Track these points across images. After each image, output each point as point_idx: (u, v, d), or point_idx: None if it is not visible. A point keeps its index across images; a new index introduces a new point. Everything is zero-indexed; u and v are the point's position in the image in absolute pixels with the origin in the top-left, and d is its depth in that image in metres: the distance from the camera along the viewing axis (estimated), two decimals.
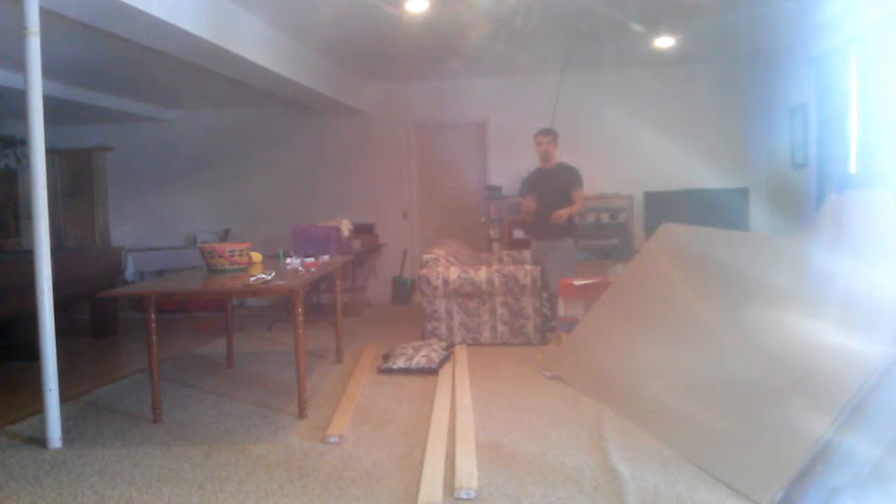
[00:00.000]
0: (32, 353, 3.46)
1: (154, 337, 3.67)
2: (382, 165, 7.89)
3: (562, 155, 5.72)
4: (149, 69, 5.94)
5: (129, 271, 7.30)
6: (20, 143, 7.38)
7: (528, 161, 5.99)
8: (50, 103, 3.70)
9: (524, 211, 5.78)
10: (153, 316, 3.66)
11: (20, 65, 3.29)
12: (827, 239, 3.39)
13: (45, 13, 3.36)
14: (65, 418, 3.51)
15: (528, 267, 5.39)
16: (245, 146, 8.10)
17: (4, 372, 4.96)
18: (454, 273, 5.38)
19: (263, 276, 3.79)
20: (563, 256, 5.58)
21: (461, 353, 5.04)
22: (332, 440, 3.29)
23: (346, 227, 6.77)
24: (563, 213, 5.39)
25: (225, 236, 8.01)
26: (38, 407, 3.49)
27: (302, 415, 3.67)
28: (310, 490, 2.76)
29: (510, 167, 7.20)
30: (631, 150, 7.29)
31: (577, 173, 5.55)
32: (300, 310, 3.58)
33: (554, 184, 5.53)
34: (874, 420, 2.47)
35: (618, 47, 6.34)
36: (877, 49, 4.68)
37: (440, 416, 3.57)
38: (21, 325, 5.04)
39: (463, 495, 2.63)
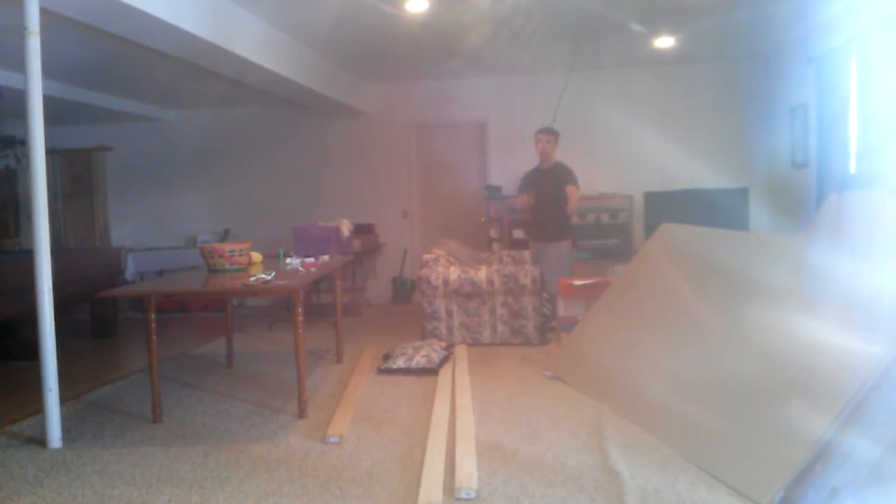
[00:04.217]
0: (32, 353, 3.46)
1: (154, 337, 3.67)
2: (382, 165, 7.89)
3: (562, 155, 5.72)
4: (149, 69, 5.94)
5: (129, 271, 7.30)
6: (20, 143, 7.37)
7: (528, 161, 5.99)
8: (50, 103, 3.69)
9: (520, 207, 5.80)
10: (153, 316, 3.67)
11: (20, 65, 3.29)
12: (827, 239, 3.39)
13: (45, 13, 3.36)
14: (65, 418, 3.51)
15: (528, 267, 5.39)
16: (245, 146, 8.10)
17: (4, 372, 4.96)
18: (454, 273, 5.38)
19: (263, 276, 3.79)
20: (559, 258, 5.58)
21: (461, 353, 5.04)
22: (332, 440, 3.29)
23: (346, 227, 6.77)
24: (572, 206, 5.35)
25: (225, 236, 8.01)
26: (38, 407, 3.49)
27: (302, 415, 3.67)
28: (310, 490, 2.76)
29: (510, 167, 7.20)
30: (631, 150, 7.29)
31: (572, 173, 5.53)
32: (300, 310, 3.58)
33: (550, 184, 5.54)
34: (874, 420, 2.47)
35: (618, 47, 6.34)
36: (877, 49, 4.68)
37: (440, 416, 3.57)
38: (21, 325, 5.04)
39: (463, 495, 2.63)
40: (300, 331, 3.58)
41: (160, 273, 7.40)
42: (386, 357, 4.84)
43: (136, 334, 6.29)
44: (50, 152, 5.28)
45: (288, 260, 4.51)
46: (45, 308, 3.32)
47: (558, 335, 5.08)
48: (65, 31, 4.38)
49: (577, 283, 5.03)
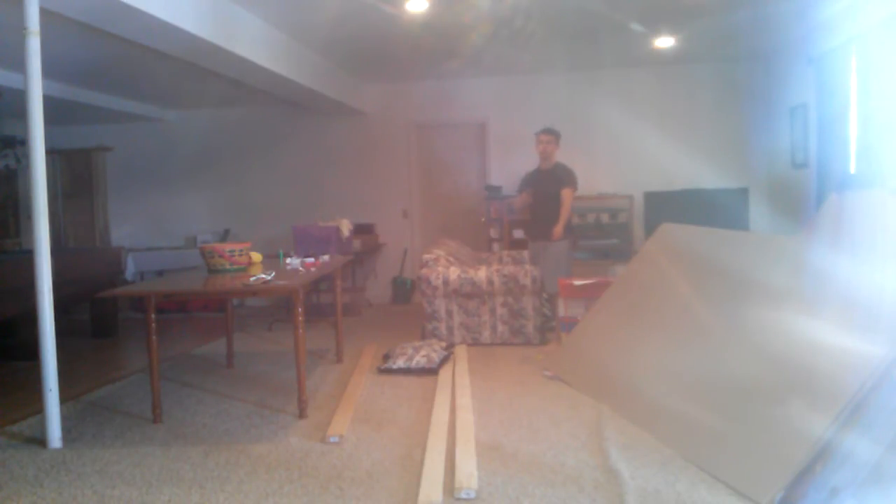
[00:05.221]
0: (32, 353, 3.46)
1: (154, 337, 3.67)
2: (382, 165, 7.89)
3: (562, 155, 5.72)
4: (149, 69, 5.94)
5: (129, 271, 7.30)
6: (20, 143, 7.37)
7: (528, 161, 6.00)
8: (50, 103, 3.70)
9: (519, 206, 5.83)
10: (153, 316, 3.67)
11: (20, 65, 3.29)
12: (827, 239, 3.38)
13: (45, 13, 3.36)
14: (65, 418, 3.51)
15: (528, 267, 5.39)
16: (245, 146, 8.10)
17: (4, 372, 4.96)
18: (454, 273, 5.38)
19: (263, 276, 3.79)
20: (558, 257, 5.59)
21: (461, 353, 5.04)
22: (332, 440, 3.29)
23: (346, 227, 6.77)
24: (559, 230, 5.43)
25: (225, 236, 8.01)
26: (38, 407, 3.49)
27: (302, 415, 3.67)
28: (310, 490, 2.76)
29: (510, 167, 7.19)
30: (631, 150, 7.29)
31: (572, 174, 5.56)
32: (300, 310, 3.58)
33: (550, 185, 5.55)
34: (874, 420, 2.47)
35: (618, 47, 6.34)
36: (877, 49, 4.68)
37: (440, 416, 3.57)
38: (21, 325, 5.04)
39: (463, 495, 2.63)
40: (300, 331, 3.58)
41: (160, 273, 7.40)
42: (386, 357, 4.84)
43: (136, 334, 6.29)
44: (50, 152, 5.27)
45: (288, 260, 4.51)
46: (45, 308, 3.32)
47: (558, 335, 5.08)
48: (65, 31, 4.38)
49: (577, 283, 5.03)
